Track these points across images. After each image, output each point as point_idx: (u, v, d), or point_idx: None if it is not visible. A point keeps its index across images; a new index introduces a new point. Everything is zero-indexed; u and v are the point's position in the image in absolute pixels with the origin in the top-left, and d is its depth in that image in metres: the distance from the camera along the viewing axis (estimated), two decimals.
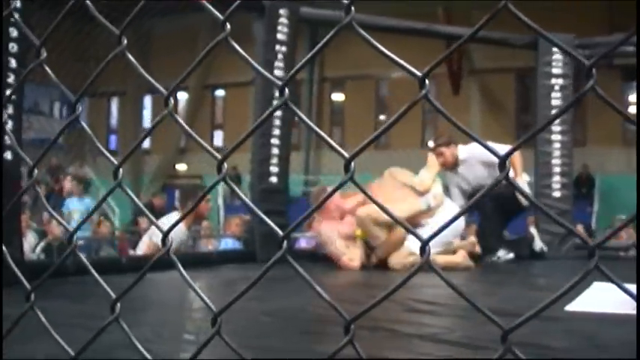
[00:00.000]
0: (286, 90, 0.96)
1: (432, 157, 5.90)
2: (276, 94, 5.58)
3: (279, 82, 0.98)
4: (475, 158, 6.04)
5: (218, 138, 20.92)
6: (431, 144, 6.28)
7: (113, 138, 22.25)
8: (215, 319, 0.92)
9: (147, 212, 1.11)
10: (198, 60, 1.10)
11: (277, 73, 6.03)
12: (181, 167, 20.85)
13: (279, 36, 6.09)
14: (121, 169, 1.16)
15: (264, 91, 6.01)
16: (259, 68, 1.09)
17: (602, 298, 3.24)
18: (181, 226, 5.57)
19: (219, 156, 0.98)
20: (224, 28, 1.04)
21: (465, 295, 0.76)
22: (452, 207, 5.53)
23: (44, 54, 1.24)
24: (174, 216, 6.25)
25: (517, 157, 6.06)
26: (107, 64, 1.25)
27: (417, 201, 5.46)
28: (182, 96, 20.46)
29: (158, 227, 1.07)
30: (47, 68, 1.23)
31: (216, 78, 18.84)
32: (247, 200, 0.95)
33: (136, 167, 19.67)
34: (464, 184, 6.18)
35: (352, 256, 5.35)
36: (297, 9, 6.43)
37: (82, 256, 1.29)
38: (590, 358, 2.06)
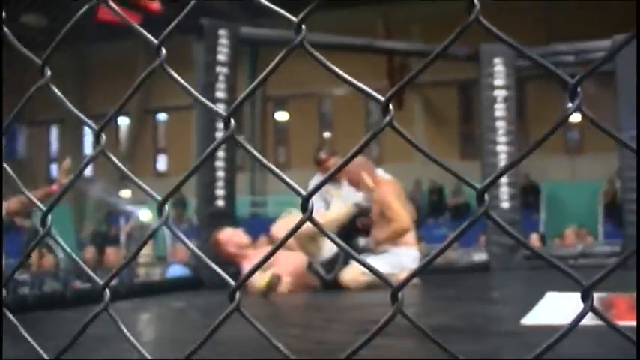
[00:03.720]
0: (232, 122, 0.87)
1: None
2: (220, 125, 5.40)
3: (223, 113, 0.88)
4: None
5: (162, 162, 20.65)
6: (321, 155, 6.28)
7: (54, 167, 21.75)
8: None
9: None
10: (131, 90, 0.98)
11: (219, 95, 5.92)
12: (126, 194, 20.48)
13: (220, 57, 5.98)
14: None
15: (206, 114, 5.89)
16: (200, 97, 0.98)
17: (556, 308, 3.23)
18: None
19: (159, 198, 0.87)
20: (159, 54, 0.94)
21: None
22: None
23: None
24: None
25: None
26: (29, 97, 1.15)
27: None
28: (123, 121, 20.14)
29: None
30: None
31: (157, 102, 18.61)
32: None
33: (79, 196, 19.27)
34: (344, 199, 5.75)
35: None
36: (237, 29, 6.30)
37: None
38: None
